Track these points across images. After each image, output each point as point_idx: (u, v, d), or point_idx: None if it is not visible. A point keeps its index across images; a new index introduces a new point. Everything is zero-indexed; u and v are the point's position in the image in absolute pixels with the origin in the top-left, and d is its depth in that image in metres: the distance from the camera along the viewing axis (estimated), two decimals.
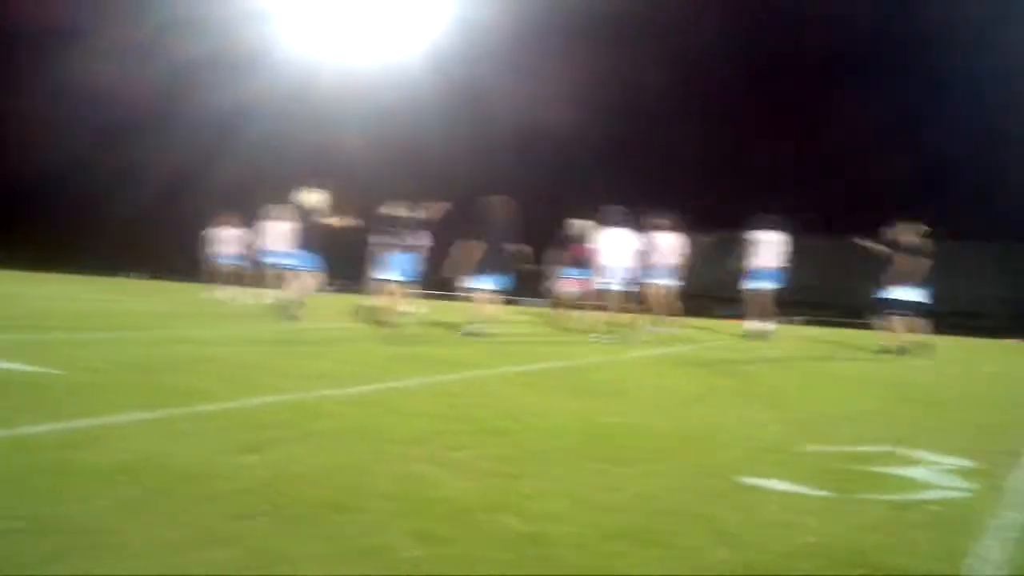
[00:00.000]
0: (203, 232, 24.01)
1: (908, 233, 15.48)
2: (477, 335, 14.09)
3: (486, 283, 14.98)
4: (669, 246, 16.88)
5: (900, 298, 14.89)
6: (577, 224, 17.53)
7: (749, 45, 38.48)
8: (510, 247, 15.22)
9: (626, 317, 15.96)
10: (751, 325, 17.35)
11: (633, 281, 16.10)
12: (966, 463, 5.63)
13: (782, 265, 16.89)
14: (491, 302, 15.12)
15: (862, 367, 12.82)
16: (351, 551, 3.44)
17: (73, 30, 37.54)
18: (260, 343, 11.64)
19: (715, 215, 25.43)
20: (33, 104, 38.07)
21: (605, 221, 16.11)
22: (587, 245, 16.66)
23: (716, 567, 3.49)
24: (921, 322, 15.14)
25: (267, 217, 21.07)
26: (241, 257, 23.01)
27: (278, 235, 20.13)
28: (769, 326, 17.10)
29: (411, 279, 15.75)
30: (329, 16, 36.70)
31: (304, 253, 17.54)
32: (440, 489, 4.38)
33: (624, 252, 15.83)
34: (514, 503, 4.19)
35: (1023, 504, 4.66)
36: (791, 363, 12.88)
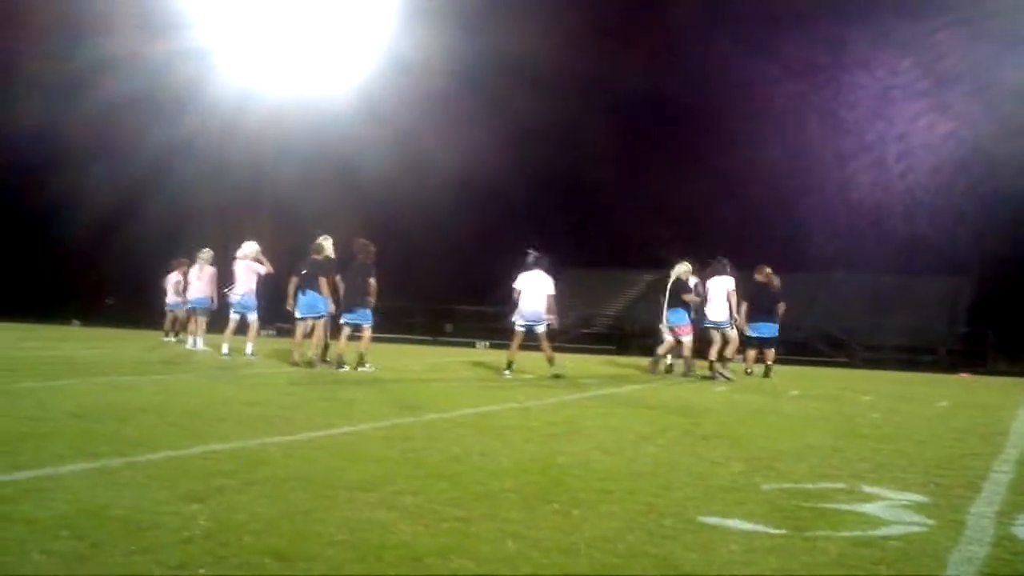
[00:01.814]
0: (163, 278, 23.82)
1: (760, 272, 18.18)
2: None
3: (351, 319, 15.99)
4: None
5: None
6: (679, 268, 17.93)
7: (674, 93, 39.26)
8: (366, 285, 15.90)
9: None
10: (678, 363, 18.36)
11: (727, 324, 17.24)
12: (923, 498, 5.61)
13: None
14: (350, 338, 16.18)
15: (805, 404, 12.84)
16: None
17: (2, 64, 37.05)
18: (202, 390, 11.42)
19: (646, 253, 25.78)
20: None
21: (711, 268, 17.41)
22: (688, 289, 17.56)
23: None
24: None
25: (200, 261, 21.03)
26: (181, 303, 22.88)
27: (208, 280, 20.17)
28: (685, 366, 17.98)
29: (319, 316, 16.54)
30: (261, 54, 36.64)
31: (247, 299, 17.78)
32: (391, 535, 4.26)
33: (722, 295, 17.17)
34: (467, 547, 4.08)
35: (983, 538, 4.63)
36: (733, 400, 12.86)
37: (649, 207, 39.84)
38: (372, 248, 15.90)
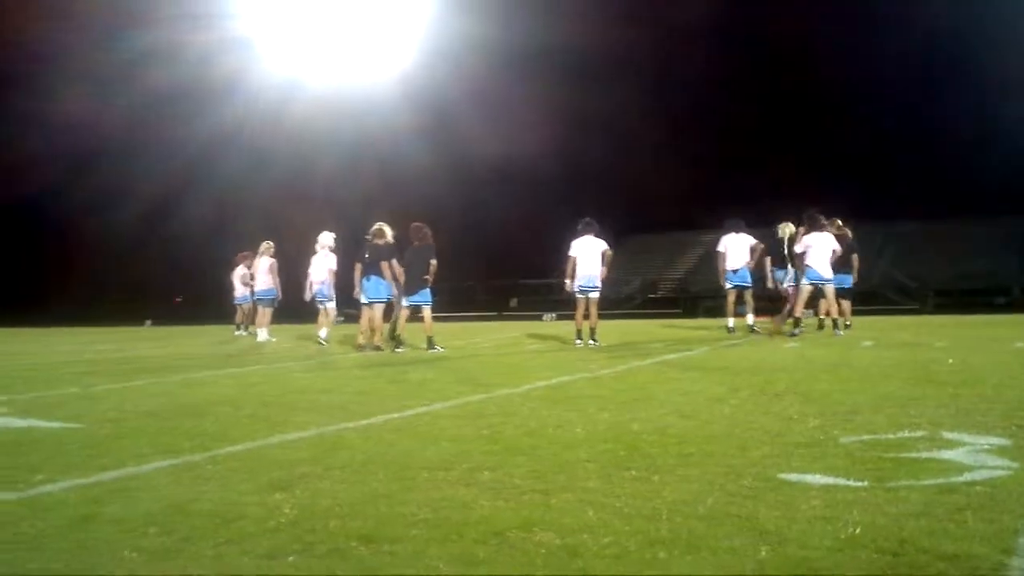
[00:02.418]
0: (231, 273, 24.12)
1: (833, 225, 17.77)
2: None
3: (413, 301, 16.16)
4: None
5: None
6: (784, 227, 18.55)
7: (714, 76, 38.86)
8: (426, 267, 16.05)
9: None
10: (732, 322, 18.62)
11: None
12: (1005, 441, 5.53)
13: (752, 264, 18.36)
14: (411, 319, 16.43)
15: (878, 354, 12.70)
16: None
17: (45, 56, 37.33)
18: (275, 380, 11.57)
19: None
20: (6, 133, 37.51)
21: (811, 225, 17.22)
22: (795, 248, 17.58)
23: (760, 566, 3.39)
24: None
25: (260, 253, 21.35)
26: (249, 295, 23.17)
27: (266, 271, 20.46)
28: (750, 319, 18.45)
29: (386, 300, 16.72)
30: (303, 44, 36.73)
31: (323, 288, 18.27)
32: (472, 512, 4.29)
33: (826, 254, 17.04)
34: (549, 519, 4.10)
35: None
36: (805, 355, 12.76)
37: (702, 168, 39.58)
38: (427, 230, 16.05)
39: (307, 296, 19.39)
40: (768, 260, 18.28)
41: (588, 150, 39.42)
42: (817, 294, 17.29)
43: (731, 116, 39.47)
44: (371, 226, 16.68)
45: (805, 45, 36.98)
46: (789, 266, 17.77)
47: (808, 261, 16.81)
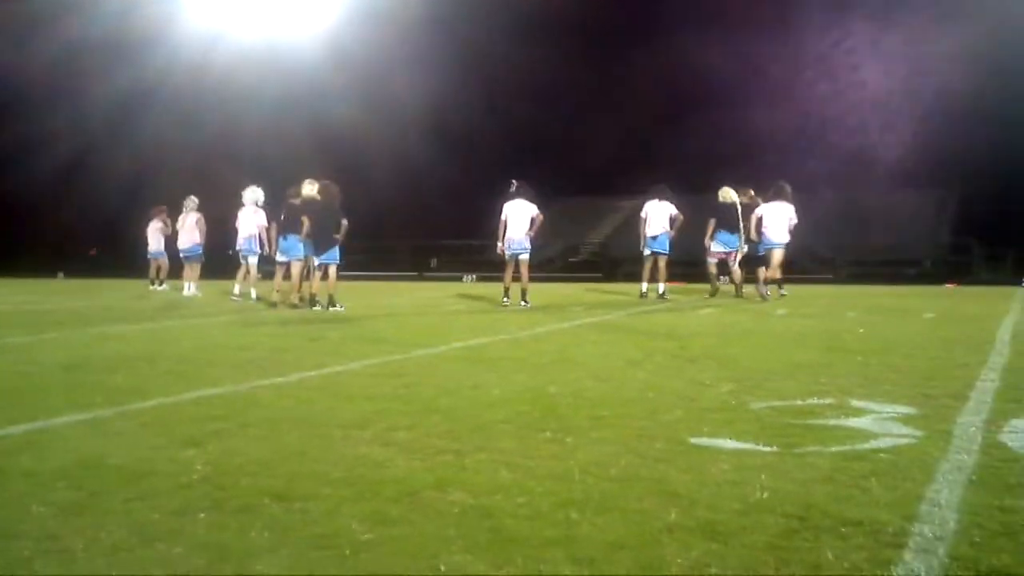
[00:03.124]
0: (145, 226, 23.62)
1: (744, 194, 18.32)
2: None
3: (322, 260, 15.86)
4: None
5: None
6: (726, 192, 18.40)
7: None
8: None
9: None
10: (645, 287, 18.67)
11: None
12: (911, 410, 5.68)
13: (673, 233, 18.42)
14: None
15: (792, 323, 12.92)
16: (300, 540, 3.35)
17: None
18: (191, 336, 11.44)
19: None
20: None
21: (777, 194, 18.07)
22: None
23: (669, 529, 3.45)
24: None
25: (185, 209, 21.06)
26: (164, 251, 22.83)
27: (192, 227, 20.18)
28: (662, 287, 18.49)
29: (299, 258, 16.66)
30: None
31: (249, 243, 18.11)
32: (387, 470, 4.31)
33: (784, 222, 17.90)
34: (463, 479, 4.13)
35: (970, 447, 4.70)
36: (721, 322, 12.94)
37: (624, 135, 39.67)
38: (335, 188, 15.92)
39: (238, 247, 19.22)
40: (712, 223, 18.30)
41: (514, 109, 39.23)
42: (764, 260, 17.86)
43: (657, 81, 39.52)
44: (295, 185, 16.51)
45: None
46: (740, 231, 17.93)
47: (765, 227, 17.75)
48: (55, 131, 35.42)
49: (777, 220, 17.79)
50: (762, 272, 18.21)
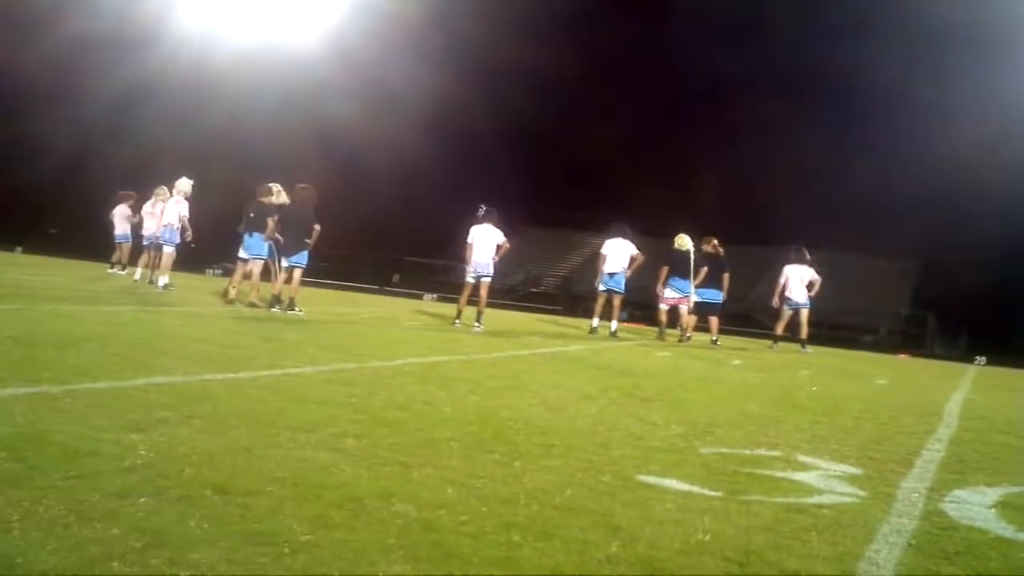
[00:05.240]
0: (111, 210, 23.46)
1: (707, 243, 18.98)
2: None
3: (291, 262, 15.87)
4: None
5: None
6: (681, 240, 18.82)
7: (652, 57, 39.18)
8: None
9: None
10: (596, 322, 18.85)
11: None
12: (856, 471, 5.71)
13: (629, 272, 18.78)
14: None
15: (746, 374, 12.99)
16: (238, 534, 3.31)
17: None
18: (146, 323, 11.33)
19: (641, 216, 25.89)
20: None
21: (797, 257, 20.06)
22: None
23: (609, 561, 3.45)
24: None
25: (155, 197, 20.96)
26: (133, 235, 22.68)
27: (166, 215, 20.01)
28: (614, 325, 18.73)
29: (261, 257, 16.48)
30: None
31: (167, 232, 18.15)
32: (332, 475, 4.27)
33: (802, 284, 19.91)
34: (408, 491, 4.11)
35: (912, 512, 4.72)
36: (676, 366, 12.99)
37: (612, 170, 39.90)
38: (311, 192, 15.91)
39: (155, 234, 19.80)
40: (665, 270, 18.51)
41: (512, 113, 39.26)
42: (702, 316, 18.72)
43: (631, 127, 39.84)
44: (261, 184, 16.49)
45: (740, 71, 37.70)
46: (691, 278, 18.23)
47: (788, 291, 19.65)
48: (54, 128, 35.24)
49: (798, 282, 19.61)
50: (714, 321, 18.56)
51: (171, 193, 19.60)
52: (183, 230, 18.88)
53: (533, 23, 38.02)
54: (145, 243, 21.27)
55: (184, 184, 19.03)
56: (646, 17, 39.45)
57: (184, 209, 18.86)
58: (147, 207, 21.38)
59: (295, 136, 34.63)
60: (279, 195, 16.25)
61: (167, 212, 19.12)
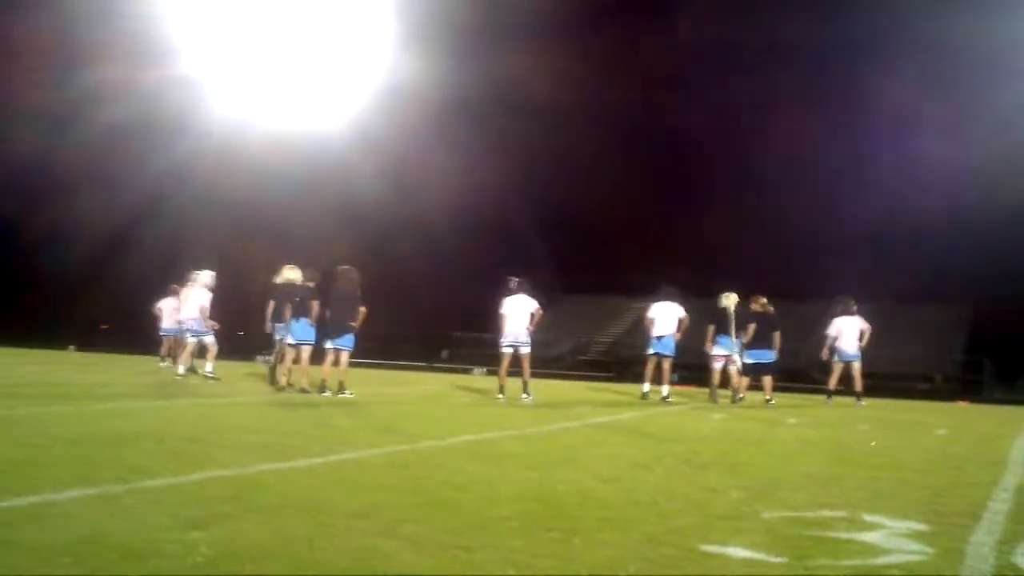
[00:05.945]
0: (158, 302, 23.96)
1: (755, 301, 18.65)
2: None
3: (336, 344, 15.90)
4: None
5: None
6: (726, 297, 18.75)
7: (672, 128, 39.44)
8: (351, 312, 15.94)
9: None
10: (648, 387, 18.78)
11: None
12: (922, 527, 5.60)
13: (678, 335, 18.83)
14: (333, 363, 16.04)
15: (802, 432, 12.83)
16: None
17: None
18: (199, 416, 11.40)
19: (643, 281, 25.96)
20: None
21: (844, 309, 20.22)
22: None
23: None
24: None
25: (188, 285, 21.24)
26: (178, 328, 22.93)
27: (193, 304, 20.26)
28: (665, 389, 18.58)
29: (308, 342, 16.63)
30: (256, 81, 36.67)
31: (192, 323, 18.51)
32: (393, 563, 4.25)
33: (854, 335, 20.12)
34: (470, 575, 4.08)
35: (983, 567, 4.62)
36: (730, 428, 12.86)
37: (647, 235, 39.92)
38: (354, 274, 16.02)
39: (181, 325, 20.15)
40: (711, 329, 18.52)
41: (529, 207, 39.57)
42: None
43: (673, 183, 39.96)
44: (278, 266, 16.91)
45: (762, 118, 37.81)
46: (732, 336, 18.14)
47: (840, 343, 19.86)
48: (91, 213, 36.04)
49: (849, 334, 19.79)
50: (767, 381, 18.36)
51: (195, 281, 20.02)
52: (204, 321, 19.23)
53: (557, 104, 38.37)
54: (162, 333, 22.03)
55: (206, 277, 19.41)
56: (667, 82, 39.81)
57: (205, 300, 19.23)
58: (184, 294, 21.76)
59: (323, 218, 35.09)
60: (293, 271, 16.62)
61: (188, 304, 19.53)
